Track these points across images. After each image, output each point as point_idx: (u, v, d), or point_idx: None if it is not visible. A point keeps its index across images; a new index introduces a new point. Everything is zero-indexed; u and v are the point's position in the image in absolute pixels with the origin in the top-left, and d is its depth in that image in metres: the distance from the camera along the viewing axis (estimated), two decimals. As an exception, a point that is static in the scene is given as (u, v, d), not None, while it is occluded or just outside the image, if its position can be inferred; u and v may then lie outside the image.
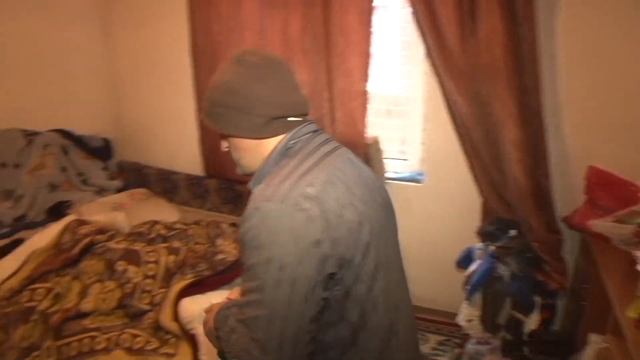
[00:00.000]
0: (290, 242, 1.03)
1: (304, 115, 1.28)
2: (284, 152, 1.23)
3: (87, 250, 2.65)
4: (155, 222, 3.13)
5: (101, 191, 3.77)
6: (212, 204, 3.73)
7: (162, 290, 2.47)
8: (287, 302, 1.03)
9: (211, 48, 3.39)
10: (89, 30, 3.97)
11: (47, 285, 2.52)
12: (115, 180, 3.92)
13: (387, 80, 3.18)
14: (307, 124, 1.27)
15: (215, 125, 1.26)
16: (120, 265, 2.52)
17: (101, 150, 4.03)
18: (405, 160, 3.26)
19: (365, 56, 2.84)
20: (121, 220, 3.13)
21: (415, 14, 2.64)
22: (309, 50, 2.95)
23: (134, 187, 3.95)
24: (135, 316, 2.39)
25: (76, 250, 2.62)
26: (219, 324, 1.19)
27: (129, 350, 2.19)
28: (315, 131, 1.28)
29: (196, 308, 2.22)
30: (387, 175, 3.14)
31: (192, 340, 2.22)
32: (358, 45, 2.84)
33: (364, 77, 2.86)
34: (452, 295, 3.06)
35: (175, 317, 2.30)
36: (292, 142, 1.24)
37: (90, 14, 3.95)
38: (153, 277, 2.53)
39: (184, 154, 3.90)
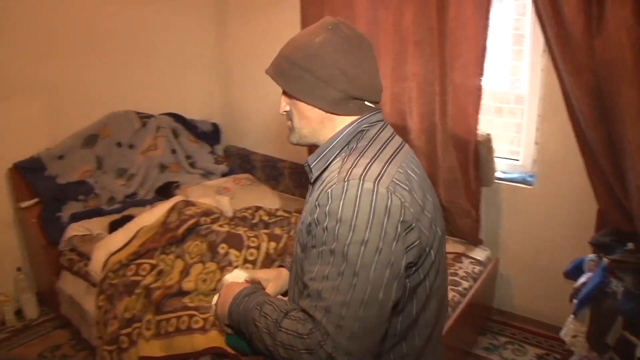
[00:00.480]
0: (388, 225, 0.98)
1: (377, 102, 1.21)
2: (356, 135, 1.17)
3: (191, 230, 2.72)
4: (258, 208, 3.17)
5: (207, 174, 3.89)
6: (316, 193, 3.75)
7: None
8: (381, 285, 0.97)
9: (322, 38, 3.37)
10: (203, 19, 4.10)
11: (152, 261, 2.61)
12: (221, 164, 4.03)
13: (496, 75, 3.03)
14: (377, 112, 1.21)
15: (287, 85, 1.18)
16: (222, 248, 2.57)
17: (209, 135, 4.15)
18: (516, 160, 3.10)
19: (481, 50, 2.70)
20: (225, 204, 3.20)
21: (536, 5, 2.48)
22: (422, 42, 2.85)
23: (238, 172, 4.04)
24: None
25: (181, 230, 2.70)
26: (242, 315, 1.13)
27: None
28: (384, 121, 1.22)
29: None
30: (496, 175, 3.00)
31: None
32: (474, 39, 2.70)
33: (479, 71, 2.72)
34: (556, 307, 2.86)
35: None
36: (366, 126, 1.18)
37: (206, 3, 4.08)
38: (253, 262, 2.56)
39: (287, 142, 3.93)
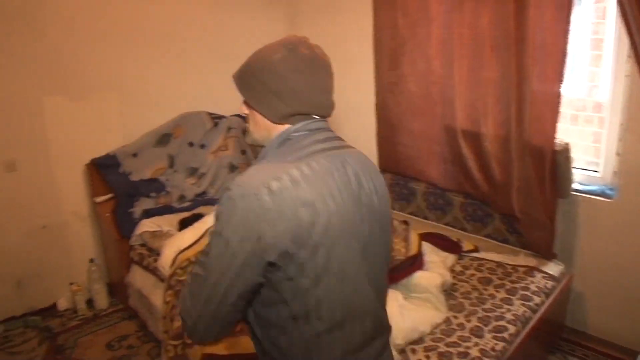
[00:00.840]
0: (240, 225, 1.11)
1: (323, 117, 1.31)
2: (283, 141, 1.26)
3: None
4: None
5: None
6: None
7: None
8: (222, 272, 1.14)
9: (394, 43, 3.32)
10: (273, 22, 4.13)
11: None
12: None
13: (573, 82, 2.89)
14: (315, 121, 1.28)
15: (245, 93, 1.31)
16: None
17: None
18: (594, 171, 2.95)
19: (561, 55, 2.57)
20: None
21: (622, 9, 2.34)
22: (499, 47, 2.76)
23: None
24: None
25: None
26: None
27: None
28: (319, 129, 1.28)
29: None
30: (573, 186, 2.86)
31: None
32: (554, 44, 2.58)
33: (559, 78, 2.60)
34: (635, 330, 2.72)
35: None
36: (295, 133, 1.26)
37: (276, 5, 4.11)
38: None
39: (359, 147, 3.86)
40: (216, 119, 3.77)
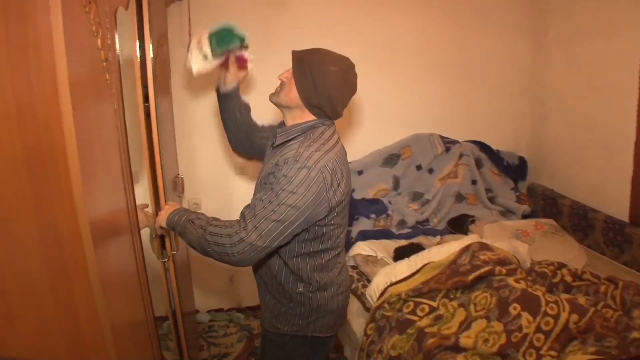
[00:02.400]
0: (310, 191, 1.59)
1: (335, 117, 1.82)
2: (311, 128, 1.76)
3: (482, 279, 2.41)
4: (561, 265, 2.70)
5: (506, 213, 3.53)
6: (631, 258, 3.04)
7: (552, 353, 2.06)
8: (290, 219, 1.59)
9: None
10: (519, 43, 3.76)
11: (433, 303, 2.38)
12: (524, 204, 3.61)
13: None
14: (329, 120, 1.81)
15: (297, 72, 1.74)
16: (514, 309, 2.19)
17: (515, 169, 3.79)
18: None
19: None
20: (523, 253, 2.80)
21: None
22: None
23: (541, 216, 3.58)
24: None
25: (472, 276, 2.40)
26: (177, 221, 1.75)
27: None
28: (329, 125, 1.81)
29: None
30: None
31: None
32: None
33: None
34: None
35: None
36: (318, 125, 1.77)
37: (522, 26, 3.72)
38: (546, 333, 2.13)
39: (608, 190, 3.30)
40: (448, 143, 3.54)
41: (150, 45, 2.00)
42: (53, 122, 0.97)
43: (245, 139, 2.18)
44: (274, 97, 1.81)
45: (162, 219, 1.81)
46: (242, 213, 1.64)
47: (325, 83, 1.70)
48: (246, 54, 2.04)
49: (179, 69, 3.12)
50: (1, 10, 0.75)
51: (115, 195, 1.52)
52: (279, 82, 1.82)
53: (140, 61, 1.92)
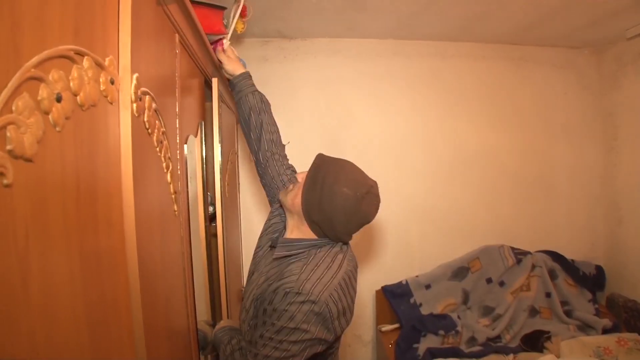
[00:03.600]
0: (312, 326, 1.46)
1: (334, 240, 1.66)
2: (314, 247, 1.63)
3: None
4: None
5: (585, 327, 3.31)
6: None
7: None
8: (296, 352, 1.46)
9: None
10: (587, 148, 3.70)
11: None
12: (604, 317, 3.38)
13: None
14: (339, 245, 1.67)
15: (309, 182, 1.63)
16: None
17: (591, 280, 3.59)
18: None
19: None
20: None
21: None
22: None
23: (624, 330, 3.33)
24: None
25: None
26: (219, 342, 1.69)
27: None
28: (334, 245, 1.65)
29: None
30: None
31: None
32: None
33: None
34: None
35: None
36: (322, 245, 1.64)
37: (591, 130, 3.68)
38: None
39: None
40: (519, 255, 3.41)
41: (219, 167, 2.09)
42: (119, 270, 1.00)
43: (263, 163, 2.04)
44: (282, 195, 1.74)
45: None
46: (242, 347, 1.59)
47: (331, 203, 1.57)
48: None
49: (249, 182, 3.21)
50: (73, 157, 0.80)
51: (177, 321, 1.53)
52: (290, 184, 1.80)
53: (205, 179, 1.99)
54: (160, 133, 1.31)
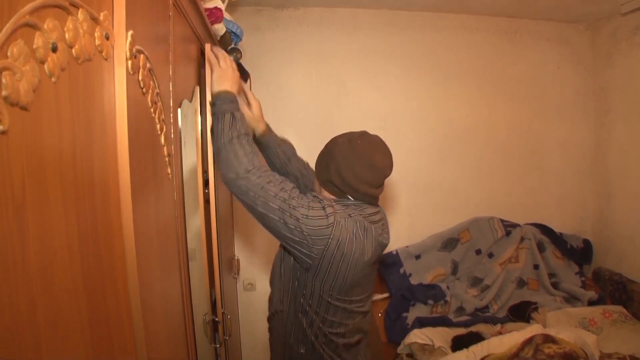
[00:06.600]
0: (313, 213, 1.53)
1: (357, 196, 1.69)
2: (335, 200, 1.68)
3: (547, 374, 2.30)
4: (634, 359, 2.54)
5: (571, 299, 3.37)
6: None
7: None
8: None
9: None
10: (579, 123, 3.72)
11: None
12: (590, 290, 3.45)
13: None
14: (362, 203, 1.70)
15: (319, 155, 1.77)
16: (581, 409, 2.07)
17: (579, 253, 3.64)
18: None
19: None
20: (591, 345, 2.65)
21: None
22: None
23: (609, 302, 3.40)
24: None
25: (536, 371, 2.30)
26: (223, 101, 1.73)
27: None
28: (363, 207, 1.68)
29: None
30: None
31: None
32: None
33: None
34: None
35: None
36: (340, 201, 1.68)
37: (583, 106, 3.70)
38: None
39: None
40: (509, 227, 3.45)
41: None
42: (113, 219, 1.00)
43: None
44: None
45: (219, 88, 1.76)
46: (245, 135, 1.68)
47: (332, 156, 1.68)
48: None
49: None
50: (69, 111, 0.79)
51: (170, 284, 1.54)
52: None
53: (202, 148, 1.99)
54: (155, 94, 1.30)
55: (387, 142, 1.82)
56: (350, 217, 1.60)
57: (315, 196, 1.61)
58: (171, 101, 1.56)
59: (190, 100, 1.93)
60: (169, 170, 1.53)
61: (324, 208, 1.55)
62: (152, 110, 1.29)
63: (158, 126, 1.38)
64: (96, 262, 0.88)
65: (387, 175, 1.71)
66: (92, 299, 0.85)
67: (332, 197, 1.71)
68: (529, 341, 2.52)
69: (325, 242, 1.54)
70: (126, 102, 1.00)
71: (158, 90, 1.34)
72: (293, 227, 1.54)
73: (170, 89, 1.52)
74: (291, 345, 1.78)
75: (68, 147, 0.77)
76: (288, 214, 1.53)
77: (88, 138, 0.84)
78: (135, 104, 1.09)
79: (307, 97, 3.33)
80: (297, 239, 1.56)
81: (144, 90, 1.17)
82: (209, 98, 1.79)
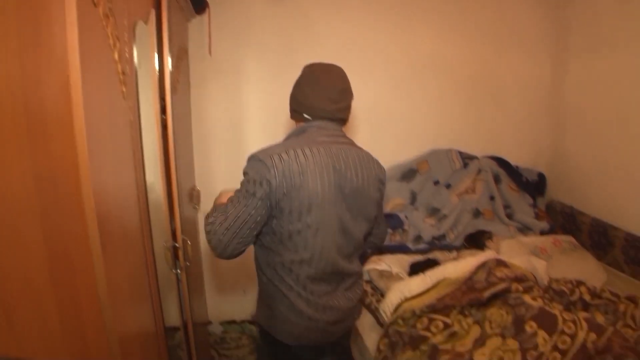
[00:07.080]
0: (257, 174, 1.63)
1: (323, 119, 1.78)
2: (300, 131, 1.80)
3: (498, 296, 2.38)
4: (579, 283, 2.64)
5: (524, 229, 3.48)
6: (651, 276, 2.98)
7: (569, 372, 2.02)
8: (246, 205, 1.64)
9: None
10: (537, 58, 3.72)
11: (447, 319, 2.35)
12: (542, 220, 3.56)
13: None
14: (322, 121, 1.78)
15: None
16: (530, 327, 2.15)
17: (533, 185, 3.74)
18: None
19: None
20: (541, 270, 2.76)
21: None
22: None
23: (560, 232, 3.52)
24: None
25: (487, 293, 2.37)
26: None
27: None
28: (324, 127, 1.78)
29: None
30: None
31: None
32: None
33: None
34: None
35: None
36: (309, 127, 1.78)
37: (542, 41, 3.69)
38: (563, 352, 2.08)
39: (628, 207, 3.20)
40: (466, 159, 3.50)
41: (169, 58, 2.02)
42: (65, 132, 0.97)
43: None
44: None
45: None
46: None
47: (295, 85, 1.83)
48: None
49: (199, 82, 3.14)
50: (15, 21, 0.76)
51: (128, 205, 1.52)
52: None
53: (159, 73, 1.94)
54: (107, 8, 1.25)
55: (349, 72, 1.83)
56: (286, 148, 1.68)
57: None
58: (125, 19, 1.51)
59: (146, 23, 1.87)
60: (123, 89, 1.49)
61: (258, 160, 1.65)
62: (104, 23, 1.25)
63: (111, 41, 1.33)
64: (52, 185, 0.85)
65: (338, 89, 1.78)
66: (45, 217, 0.83)
67: (299, 124, 1.84)
68: (482, 265, 2.60)
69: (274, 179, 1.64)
70: (76, 8, 0.96)
71: (110, 5, 1.28)
72: (259, 197, 1.64)
73: (125, 6, 1.47)
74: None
75: (14, 49, 0.73)
76: (249, 195, 1.65)
77: (35, 38, 0.80)
78: (85, 14, 1.05)
79: (270, 25, 3.24)
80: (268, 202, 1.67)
81: (95, 1, 1.12)
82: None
